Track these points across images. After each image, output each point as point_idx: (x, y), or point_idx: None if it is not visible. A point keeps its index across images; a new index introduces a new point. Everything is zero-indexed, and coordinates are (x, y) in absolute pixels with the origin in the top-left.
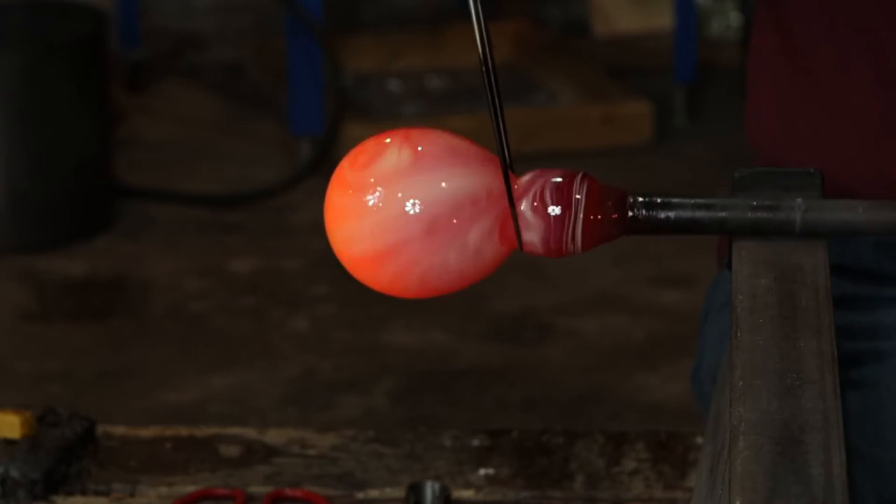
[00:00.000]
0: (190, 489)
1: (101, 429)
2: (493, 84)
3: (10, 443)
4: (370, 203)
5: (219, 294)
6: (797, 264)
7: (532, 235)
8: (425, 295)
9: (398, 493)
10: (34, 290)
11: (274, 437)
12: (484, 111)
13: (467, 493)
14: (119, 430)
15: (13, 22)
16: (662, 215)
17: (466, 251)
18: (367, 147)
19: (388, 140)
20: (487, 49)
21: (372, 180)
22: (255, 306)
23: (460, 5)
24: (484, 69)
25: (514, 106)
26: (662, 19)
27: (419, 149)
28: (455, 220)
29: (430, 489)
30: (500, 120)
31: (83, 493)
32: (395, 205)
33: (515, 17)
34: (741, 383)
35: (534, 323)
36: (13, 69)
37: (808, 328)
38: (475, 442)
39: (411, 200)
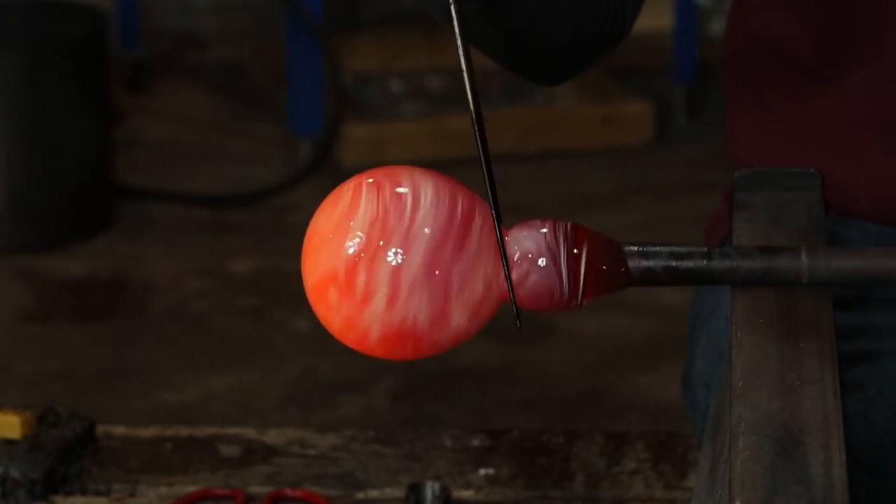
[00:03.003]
0: (190, 489)
1: (101, 429)
2: (483, 137)
3: (10, 443)
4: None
5: (219, 294)
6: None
7: (529, 291)
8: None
9: (398, 493)
10: (34, 290)
11: (274, 437)
12: (484, 110)
13: (467, 493)
14: (119, 430)
15: (13, 22)
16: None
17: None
18: (340, 196)
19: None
20: (477, 105)
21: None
22: (255, 306)
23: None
24: (474, 128)
25: (514, 106)
26: (662, 19)
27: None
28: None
29: (430, 489)
30: (490, 176)
31: (83, 493)
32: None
33: None
34: (741, 383)
35: (534, 323)
36: (13, 69)
37: (808, 328)
38: (475, 442)
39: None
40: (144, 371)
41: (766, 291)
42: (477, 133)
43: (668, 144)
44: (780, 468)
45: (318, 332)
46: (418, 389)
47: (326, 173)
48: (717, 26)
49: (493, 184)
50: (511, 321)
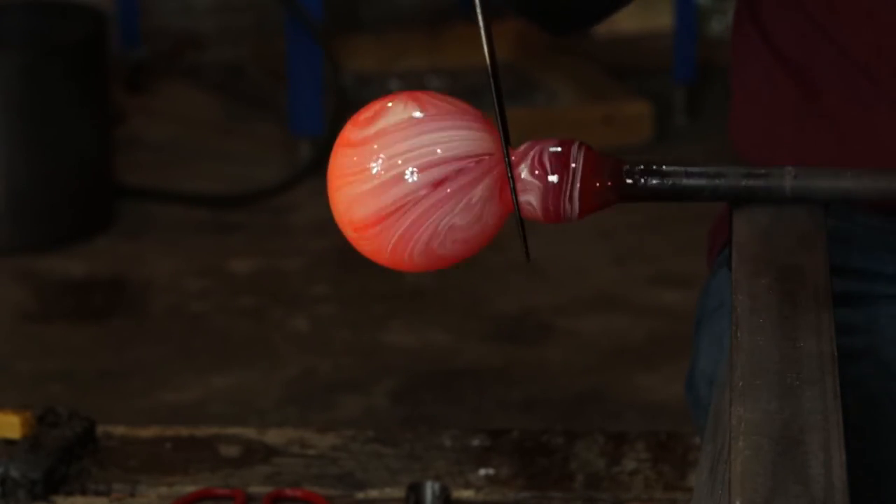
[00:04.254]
0: (190, 489)
1: (101, 429)
2: (492, 52)
3: (10, 443)
4: (372, 166)
5: (219, 294)
6: (797, 264)
7: (530, 199)
8: (428, 265)
9: (398, 493)
10: (34, 290)
11: (274, 437)
12: (484, 111)
13: (467, 493)
14: (119, 430)
15: (13, 22)
16: (657, 182)
17: (469, 213)
18: (371, 106)
19: (391, 101)
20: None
21: (375, 146)
22: (255, 306)
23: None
24: (484, 37)
25: (514, 106)
26: (662, 19)
27: (421, 109)
28: (458, 181)
29: (430, 489)
30: (498, 89)
31: (83, 493)
32: (396, 167)
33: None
34: (741, 383)
35: (534, 323)
36: (13, 69)
37: (808, 328)
38: (475, 442)
39: (412, 164)
40: (144, 371)
41: (766, 291)
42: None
43: (668, 144)
44: (780, 468)
45: (319, 332)
46: (418, 389)
47: (326, 174)
48: (717, 26)
49: (503, 106)
50: (511, 321)
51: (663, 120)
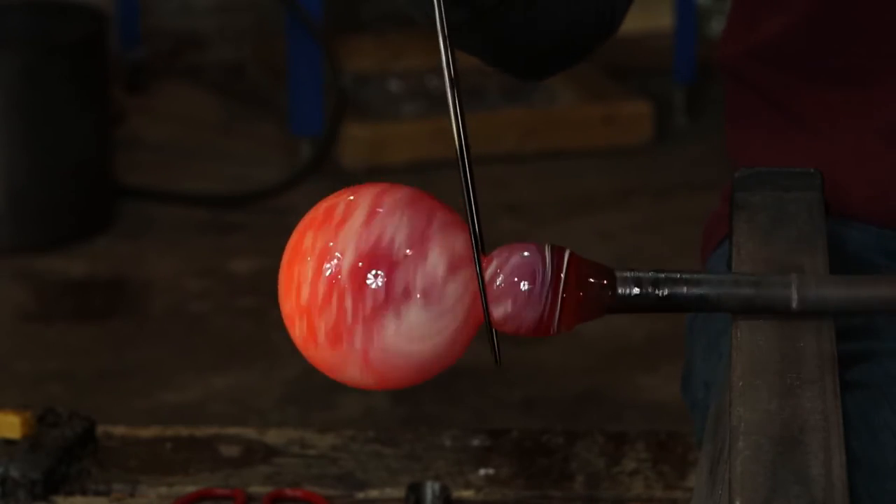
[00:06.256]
0: (190, 489)
1: (101, 429)
2: (466, 159)
3: (10, 443)
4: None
5: (219, 294)
6: (797, 264)
7: (503, 311)
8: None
9: (398, 493)
10: (34, 290)
11: (274, 437)
12: (483, 111)
13: (467, 493)
14: (119, 430)
15: (13, 22)
16: (651, 292)
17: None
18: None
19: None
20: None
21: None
22: (255, 306)
23: None
24: (458, 150)
25: (514, 106)
26: (662, 19)
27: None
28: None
29: (430, 489)
30: (472, 200)
31: (83, 493)
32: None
33: None
34: (741, 383)
35: None
36: (13, 69)
37: (808, 328)
38: (475, 442)
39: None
40: (144, 371)
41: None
42: (461, 161)
43: (668, 144)
44: (780, 468)
45: None
46: (418, 389)
47: (326, 173)
48: (717, 26)
49: (474, 202)
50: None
51: (663, 120)
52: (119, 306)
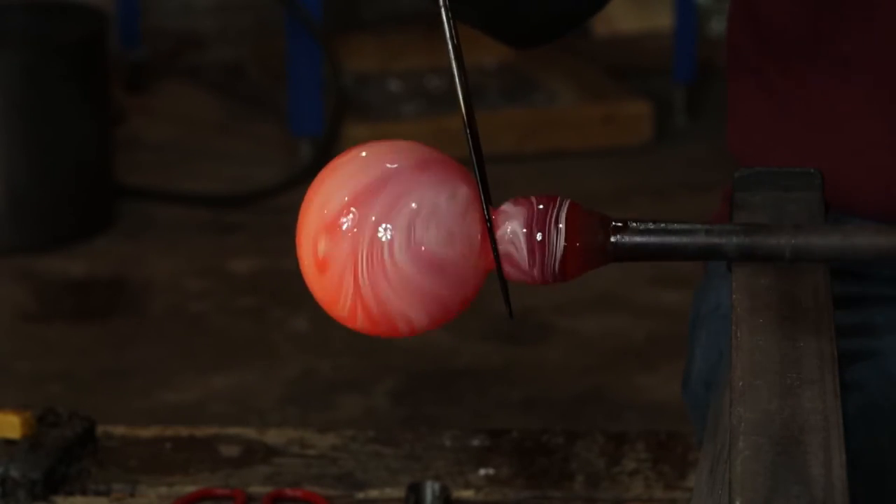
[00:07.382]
0: (190, 489)
1: (101, 429)
2: (470, 107)
3: (10, 443)
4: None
5: (219, 294)
6: (797, 264)
7: (513, 262)
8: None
9: (398, 493)
10: (34, 290)
11: (274, 437)
12: (484, 111)
13: (467, 493)
14: (119, 430)
15: (13, 22)
16: (645, 240)
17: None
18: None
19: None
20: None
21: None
22: (255, 306)
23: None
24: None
25: (514, 106)
26: (662, 19)
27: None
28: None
29: (430, 489)
30: (478, 150)
31: (83, 493)
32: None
33: None
34: (741, 383)
35: (534, 323)
36: (13, 69)
37: (808, 328)
38: (475, 442)
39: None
40: (144, 371)
41: (766, 290)
42: (465, 118)
43: (668, 144)
44: (780, 468)
45: (319, 332)
46: (418, 389)
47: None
48: (717, 26)
49: (482, 159)
50: (511, 321)
51: (663, 120)
52: (119, 306)
